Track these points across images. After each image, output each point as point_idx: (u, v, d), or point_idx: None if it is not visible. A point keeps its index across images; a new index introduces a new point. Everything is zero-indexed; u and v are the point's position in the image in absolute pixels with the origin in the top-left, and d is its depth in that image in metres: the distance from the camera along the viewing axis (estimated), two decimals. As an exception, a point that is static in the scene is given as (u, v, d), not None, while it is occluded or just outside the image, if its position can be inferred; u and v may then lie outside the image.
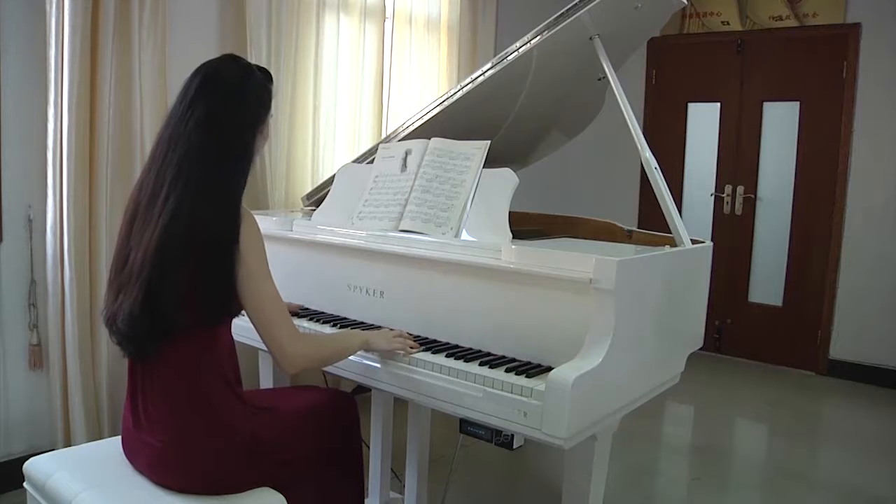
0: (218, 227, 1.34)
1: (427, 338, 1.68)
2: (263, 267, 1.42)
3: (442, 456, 2.68)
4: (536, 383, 1.36)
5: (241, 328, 1.55)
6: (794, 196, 4.45)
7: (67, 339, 2.33)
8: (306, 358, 1.47)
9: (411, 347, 1.59)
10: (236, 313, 1.42)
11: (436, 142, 1.89)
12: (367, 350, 1.60)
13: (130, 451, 1.44)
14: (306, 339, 1.52)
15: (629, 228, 2.12)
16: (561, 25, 1.84)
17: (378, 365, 1.61)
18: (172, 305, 1.30)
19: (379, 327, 1.77)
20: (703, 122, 4.77)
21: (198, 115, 1.36)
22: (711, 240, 1.94)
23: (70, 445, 2.28)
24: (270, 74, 1.52)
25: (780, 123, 4.50)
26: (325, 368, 1.65)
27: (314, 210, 2.23)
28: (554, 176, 4.32)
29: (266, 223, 1.94)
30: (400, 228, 1.81)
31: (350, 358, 1.61)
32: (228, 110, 1.39)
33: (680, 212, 2.06)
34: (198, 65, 1.43)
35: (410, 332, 1.67)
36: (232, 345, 1.47)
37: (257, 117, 1.45)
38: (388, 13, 3.43)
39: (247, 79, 1.44)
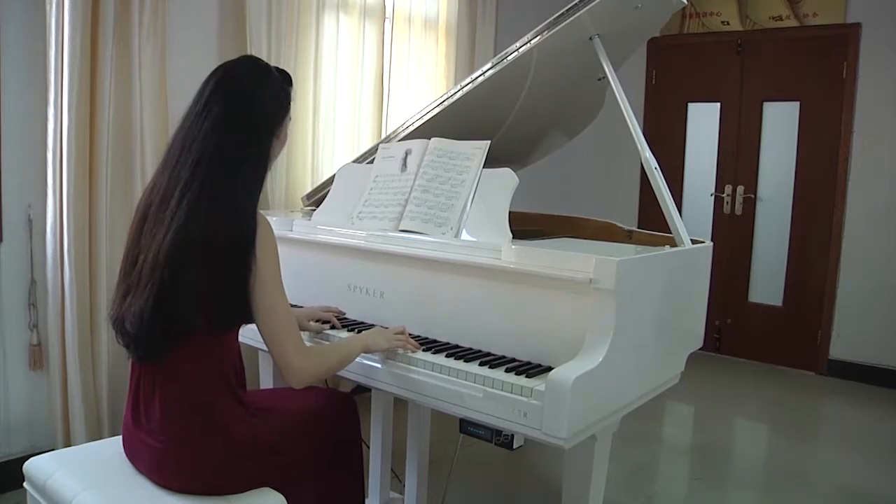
0: (233, 232, 1.30)
1: (427, 338, 1.68)
2: (276, 276, 1.39)
3: (442, 456, 2.68)
4: (536, 383, 1.36)
5: (242, 328, 1.54)
6: (794, 196, 4.45)
7: (67, 339, 2.33)
8: (311, 372, 1.45)
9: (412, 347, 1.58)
10: (250, 320, 1.38)
11: (436, 142, 1.89)
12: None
13: (131, 452, 1.44)
14: (311, 353, 1.49)
15: (629, 228, 2.12)
16: (561, 25, 1.84)
17: (378, 365, 1.61)
18: (186, 308, 1.27)
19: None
20: (703, 122, 4.77)
21: (213, 117, 1.33)
22: (711, 240, 1.94)
23: (70, 445, 2.28)
24: (289, 76, 1.49)
25: (780, 123, 4.50)
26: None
27: (314, 210, 2.23)
28: (554, 176, 4.31)
29: (266, 223, 1.94)
30: (400, 228, 1.81)
31: (350, 358, 1.61)
32: (244, 113, 1.36)
33: (680, 212, 2.06)
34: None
35: (410, 333, 1.66)
36: (238, 349, 1.46)
37: (274, 120, 1.42)
38: (388, 13, 3.43)
39: (264, 80, 1.41)
